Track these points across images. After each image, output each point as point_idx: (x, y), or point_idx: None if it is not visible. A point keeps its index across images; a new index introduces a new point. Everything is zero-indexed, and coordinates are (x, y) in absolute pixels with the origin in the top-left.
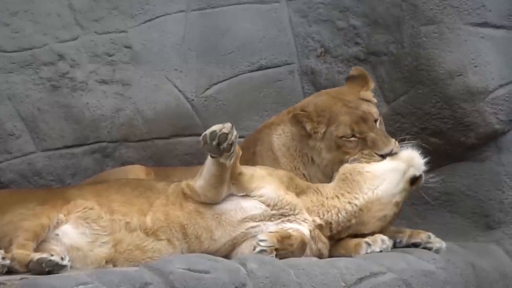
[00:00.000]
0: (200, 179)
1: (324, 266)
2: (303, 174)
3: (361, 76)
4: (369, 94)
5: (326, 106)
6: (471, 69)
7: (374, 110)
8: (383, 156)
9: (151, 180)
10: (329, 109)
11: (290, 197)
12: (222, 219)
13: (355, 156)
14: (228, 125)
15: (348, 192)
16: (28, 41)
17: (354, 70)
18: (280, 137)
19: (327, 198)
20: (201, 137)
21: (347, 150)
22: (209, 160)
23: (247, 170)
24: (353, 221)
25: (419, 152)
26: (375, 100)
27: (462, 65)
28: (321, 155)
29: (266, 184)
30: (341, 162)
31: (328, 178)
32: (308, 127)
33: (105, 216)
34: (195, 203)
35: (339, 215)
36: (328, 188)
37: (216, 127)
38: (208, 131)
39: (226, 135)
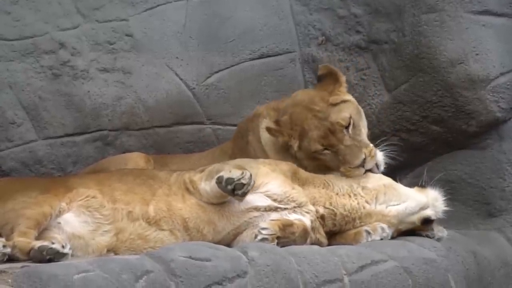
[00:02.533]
0: (206, 185)
1: (325, 254)
2: None
3: (330, 74)
4: (339, 95)
5: (298, 119)
6: (472, 57)
7: (343, 116)
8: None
9: (153, 169)
10: (300, 123)
11: (296, 192)
12: (225, 210)
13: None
14: (247, 175)
15: (362, 196)
16: (29, 29)
17: (321, 69)
18: (266, 131)
19: (337, 194)
20: (216, 176)
21: (323, 161)
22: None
23: (251, 169)
24: (357, 221)
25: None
26: (347, 97)
27: (463, 53)
28: (303, 163)
29: (270, 179)
30: (322, 170)
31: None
32: (281, 140)
33: (107, 205)
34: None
35: (345, 208)
36: (342, 184)
37: (234, 175)
38: (225, 176)
39: (243, 185)
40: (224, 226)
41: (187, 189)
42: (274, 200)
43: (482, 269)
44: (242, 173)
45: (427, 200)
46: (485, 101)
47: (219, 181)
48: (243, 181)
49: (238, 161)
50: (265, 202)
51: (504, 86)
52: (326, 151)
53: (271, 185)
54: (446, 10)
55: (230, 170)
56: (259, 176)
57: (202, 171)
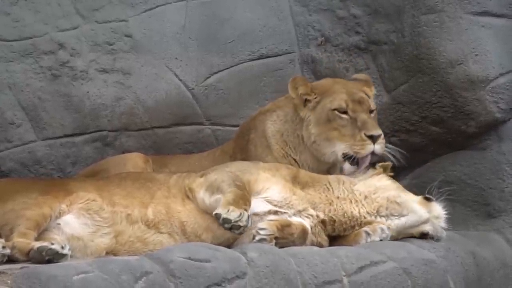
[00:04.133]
0: (205, 196)
1: (325, 255)
2: (294, 160)
3: (366, 80)
4: (372, 92)
5: (326, 83)
6: (472, 58)
7: (372, 102)
8: (372, 138)
9: (150, 172)
10: (328, 86)
11: (297, 198)
12: None
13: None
14: (244, 217)
15: (363, 206)
16: (29, 30)
17: (360, 75)
18: (275, 123)
19: (338, 198)
20: (215, 211)
21: (336, 126)
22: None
23: (251, 176)
24: (356, 228)
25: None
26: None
27: (462, 54)
28: (309, 128)
29: (271, 184)
30: (328, 140)
31: (316, 160)
32: (301, 90)
33: (106, 208)
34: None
35: (345, 215)
36: (343, 188)
37: (232, 216)
38: (223, 215)
39: (239, 226)
40: (223, 233)
41: (187, 196)
42: (275, 205)
43: (481, 270)
44: (240, 214)
45: (429, 216)
46: (485, 101)
47: (216, 217)
48: (240, 223)
49: (239, 165)
50: (265, 207)
51: (504, 87)
52: (344, 115)
53: (272, 190)
54: (446, 11)
55: (228, 209)
56: (259, 181)
57: (202, 175)
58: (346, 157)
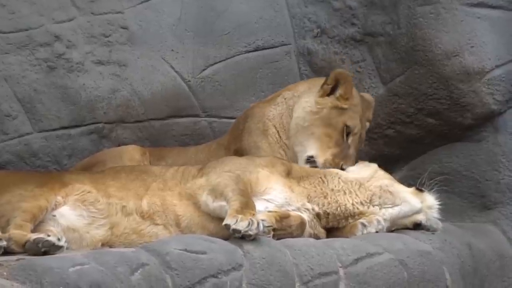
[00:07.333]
0: (208, 200)
1: (321, 247)
2: (285, 144)
3: (370, 102)
4: (371, 115)
5: (356, 101)
6: (468, 50)
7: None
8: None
9: (145, 164)
10: (356, 103)
11: (295, 195)
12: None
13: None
14: (254, 225)
15: (357, 195)
16: (25, 22)
17: (366, 95)
18: (277, 106)
19: (332, 190)
20: (224, 221)
21: (333, 136)
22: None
23: (251, 175)
24: (350, 220)
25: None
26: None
27: (458, 46)
28: (311, 114)
29: (272, 184)
30: (312, 135)
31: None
32: (341, 91)
33: (101, 199)
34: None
35: (339, 209)
36: (338, 179)
37: (241, 226)
38: (233, 226)
39: (250, 235)
40: (218, 230)
41: (187, 198)
42: (275, 205)
43: (477, 261)
44: (249, 223)
45: (422, 206)
46: (480, 93)
47: (226, 227)
48: (250, 232)
49: (236, 162)
50: (266, 205)
51: (499, 79)
52: (345, 137)
53: (274, 191)
54: (441, 3)
55: (237, 219)
56: (260, 180)
57: (202, 175)
58: (310, 160)
